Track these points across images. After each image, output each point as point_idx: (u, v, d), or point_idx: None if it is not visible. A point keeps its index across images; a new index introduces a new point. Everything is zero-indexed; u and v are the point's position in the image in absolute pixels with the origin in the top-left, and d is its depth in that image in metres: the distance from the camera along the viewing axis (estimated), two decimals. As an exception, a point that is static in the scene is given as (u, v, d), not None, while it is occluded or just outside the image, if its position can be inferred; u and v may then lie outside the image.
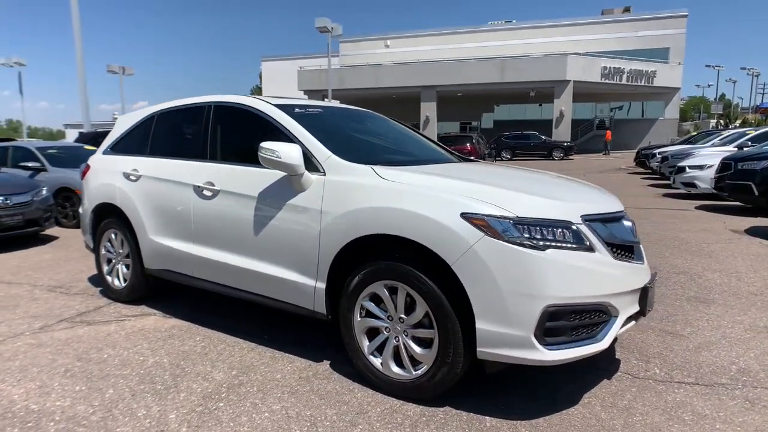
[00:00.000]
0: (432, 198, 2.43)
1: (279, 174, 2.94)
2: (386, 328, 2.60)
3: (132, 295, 4.01)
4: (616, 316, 2.43)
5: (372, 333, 2.67)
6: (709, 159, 10.52)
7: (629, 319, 2.58)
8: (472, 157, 4.25)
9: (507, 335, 2.23)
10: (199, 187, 3.35)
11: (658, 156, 15.45)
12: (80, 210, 4.45)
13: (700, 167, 10.51)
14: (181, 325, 3.60)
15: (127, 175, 3.88)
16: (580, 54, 32.66)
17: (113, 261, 4.14)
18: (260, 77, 52.62)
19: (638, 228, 6.98)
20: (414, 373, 2.51)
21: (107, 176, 4.05)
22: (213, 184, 3.28)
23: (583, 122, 38.92)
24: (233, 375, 2.83)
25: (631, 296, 2.52)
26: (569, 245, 2.32)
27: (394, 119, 4.23)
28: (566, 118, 32.23)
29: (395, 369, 2.57)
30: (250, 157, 3.08)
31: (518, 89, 33.76)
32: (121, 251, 4.05)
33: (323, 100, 28.28)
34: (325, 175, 2.82)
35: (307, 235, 2.79)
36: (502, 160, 28.28)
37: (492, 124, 41.03)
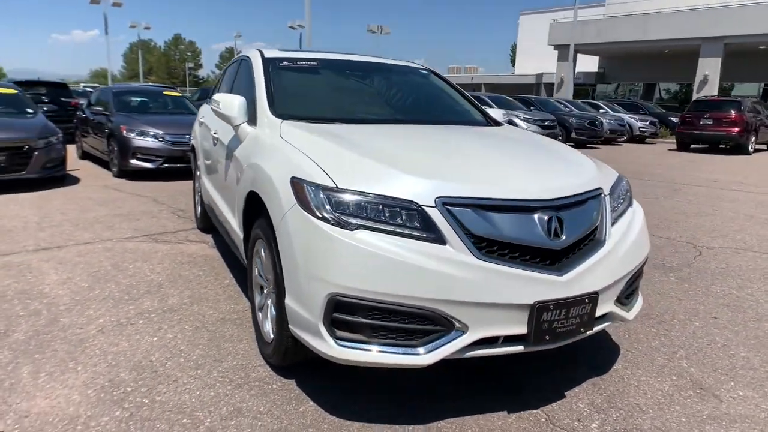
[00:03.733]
0: (285, 158, 2.26)
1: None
2: (265, 286, 2.57)
3: (201, 224, 4.74)
4: (463, 332, 1.89)
5: (261, 290, 2.67)
6: None
7: (508, 341, 1.97)
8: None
9: (302, 317, 1.99)
10: (214, 134, 3.72)
11: None
12: (194, 149, 5.38)
13: None
14: (212, 255, 4.13)
15: (200, 123, 4.53)
16: None
17: (199, 193, 4.93)
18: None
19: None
20: (271, 336, 2.44)
21: (197, 122, 4.79)
22: (216, 133, 3.61)
23: None
24: (182, 303, 3.18)
25: (506, 312, 1.91)
26: (403, 231, 1.89)
27: (444, 77, 3.80)
28: None
29: (266, 328, 2.53)
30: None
31: None
32: (198, 185, 4.79)
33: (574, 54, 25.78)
34: (257, 127, 2.84)
35: (235, 185, 2.89)
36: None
37: (810, 87, 31.25)
